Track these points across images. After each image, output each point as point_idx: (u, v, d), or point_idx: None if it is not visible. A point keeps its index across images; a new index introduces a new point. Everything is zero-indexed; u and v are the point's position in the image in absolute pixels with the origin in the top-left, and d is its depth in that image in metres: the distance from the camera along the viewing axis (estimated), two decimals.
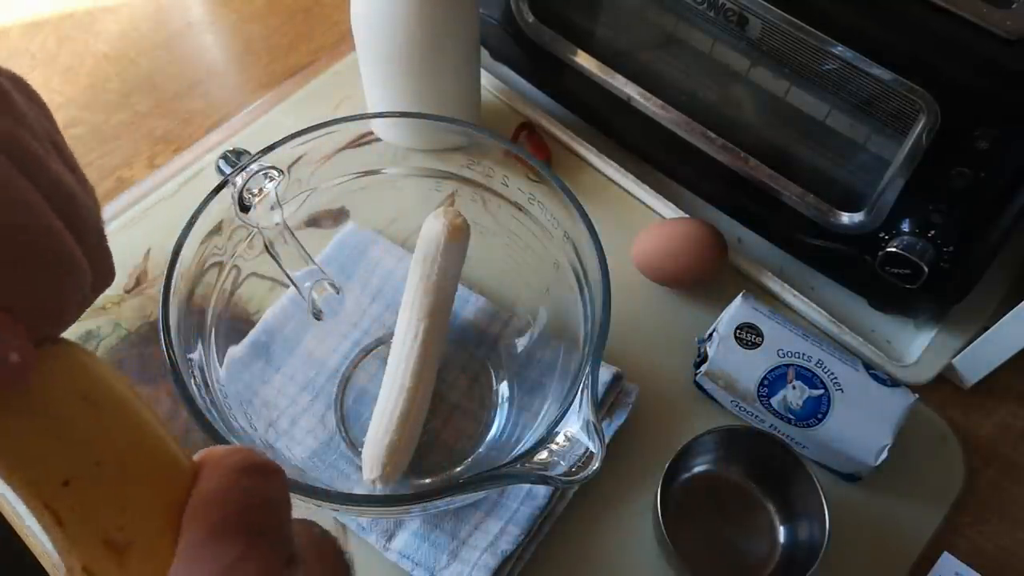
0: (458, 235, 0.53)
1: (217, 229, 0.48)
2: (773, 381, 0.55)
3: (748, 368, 0.56)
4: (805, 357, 0.56)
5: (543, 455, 0.40)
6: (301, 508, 0.54)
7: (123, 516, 0.21)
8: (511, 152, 0.52)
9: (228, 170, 0.48)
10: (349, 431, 0.56)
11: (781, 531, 0.54)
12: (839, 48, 0.50)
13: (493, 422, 0.57)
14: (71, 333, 0.54)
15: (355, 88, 0.69)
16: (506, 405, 0.57)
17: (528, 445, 0.46)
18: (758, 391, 0.55)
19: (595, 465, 0.40)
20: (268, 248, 0.51)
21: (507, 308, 0.60)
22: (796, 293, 0.63)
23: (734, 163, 0.62)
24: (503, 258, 0.57)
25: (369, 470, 0.51)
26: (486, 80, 0.72)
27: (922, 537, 0.55)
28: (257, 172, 0.48)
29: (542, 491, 0.53)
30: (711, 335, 0.58)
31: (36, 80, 0.25)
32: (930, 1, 0.47)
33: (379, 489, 0.51)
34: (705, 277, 0.62)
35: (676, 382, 0.60)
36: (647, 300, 0.64)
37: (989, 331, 0.56)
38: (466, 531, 0.52)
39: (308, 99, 0.74)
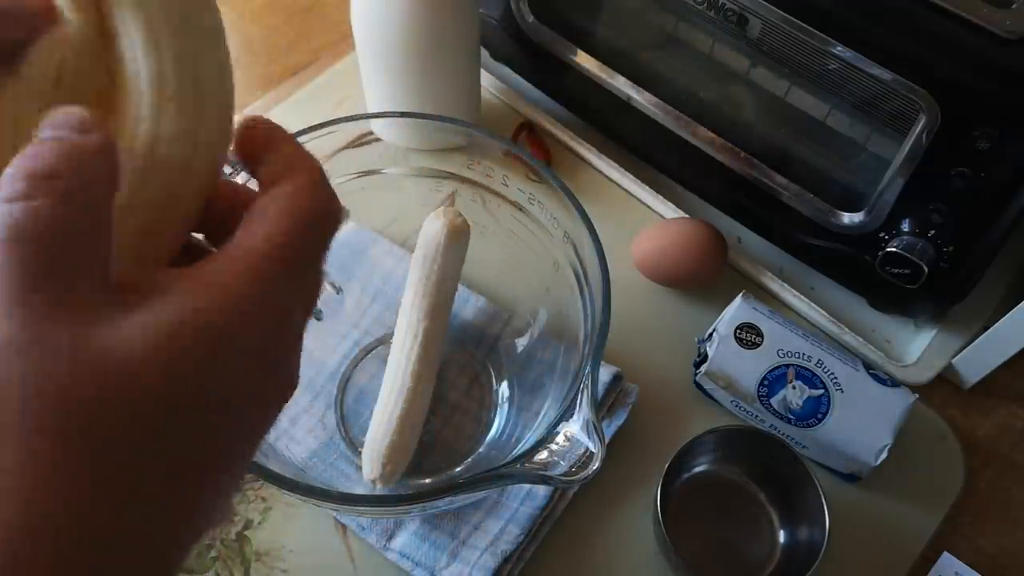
0: (458, 235, 0.53)
1: None
2: (773, 381, 0.55)
3: (748, 368, 0.56)
4: (805, 357, 0.56)
5: (543, 455, 0.40)
6: (301, 508, 0.54)
7: None
8: (511, 152, 0.52)
9: (228, 170, 0.48)
10: (349, 431, 0.56)
11: (781, 531, 0.54)
12: (839, 48, 0.50)
13: (493, 422, 0.57)
14: None
15: (355, 88, 0.69)
16: (506, 405, 0.57)
17: (528, 445, 0.46)
18: (758, 391, 0.55)
19: (595, 465, 0.40)
20: None
21: (507, 308, 0.60)
22: (796, 293, 0.63)
23: (734, 163, 0.61)
24: (503, 258, 0.57)
25: (369, 470, 0.51)
26: (486, 80, 0.72)
27: (922, 537, 0.55)
28: None
29: (542, 491, 0.53)
30: (711, 335, 0.58)
31: None
32: (930, 1, 0.47)
33: (379, 489, 0.51)
34: (705, 277, 0.62)
35: (676, 382, 0.60)
36: (647, 300, 0.64)
37: (989, 331, 0.56)
38: (466, 531, 0.52)
39: (308, 99, 0.74)
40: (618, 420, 0.56)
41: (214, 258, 0.23)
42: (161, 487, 0.21)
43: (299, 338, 0.25)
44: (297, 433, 0.55)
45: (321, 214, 0.25)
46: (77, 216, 0.21)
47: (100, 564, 0.20)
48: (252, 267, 0.23)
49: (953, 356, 0.60)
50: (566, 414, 0.41)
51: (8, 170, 0.21)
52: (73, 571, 0.19)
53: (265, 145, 0.26)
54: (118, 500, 0.20)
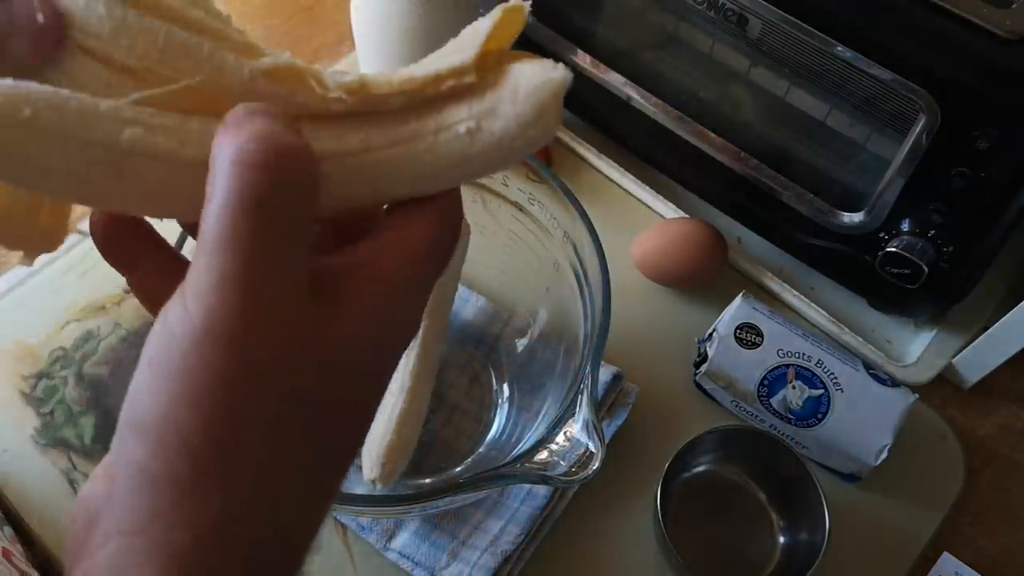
0: None
1: None
2: (773, 381, 0.55)
3: (748, 368, 0.56)
4: (805, 357, 0.56)
5: (543, 455, 0.40)
6: None
7: None
8: None
9: None
10: None
11: (781, 531, 0.54)
12: (839, 48, 0.50)
13: (493, 422, 0.57)
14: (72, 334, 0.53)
15: None
16: (506, 405, 0.57)
17: (528, 445, 0.46)
18: (758, 391, 0.55)
19: (595, 465, 0.40)
20: None
21: (507, 308, 0.60)
22: (796, 293, 0.63)
23: (734, 163, 0.61)
24: (503, 258, 0.57)
25: (369, 470, 0.51)
26: None
27: (922, 537, 0.55)
28: None
29: (542, 491, 0.53)
30: (711, 335, 0.58)
31: None
32: (930, 1, 0.47)
33: (379, 489, 0.51)
34: (705, 277, 0.62)
35: (676, 382, 0.60)
36: (647, 300, 0.64)
37: (989, 331, 0.56)
38: (466, 531, 0.52)
39: None
40: (618, 420, 0.56)
41: (362, 271, 0.24)
42: (327, 461, 0.23)
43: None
44: None
45: (449, 241, 0.26)
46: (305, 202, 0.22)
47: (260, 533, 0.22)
48: (395, 286, 0.25)
49: (953, 356, 0.60)
50: (566, 414, 0.41)
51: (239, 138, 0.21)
52: (250, 510, 0.21)
53: None
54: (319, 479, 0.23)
